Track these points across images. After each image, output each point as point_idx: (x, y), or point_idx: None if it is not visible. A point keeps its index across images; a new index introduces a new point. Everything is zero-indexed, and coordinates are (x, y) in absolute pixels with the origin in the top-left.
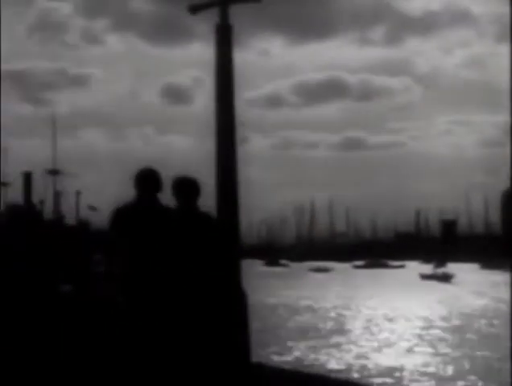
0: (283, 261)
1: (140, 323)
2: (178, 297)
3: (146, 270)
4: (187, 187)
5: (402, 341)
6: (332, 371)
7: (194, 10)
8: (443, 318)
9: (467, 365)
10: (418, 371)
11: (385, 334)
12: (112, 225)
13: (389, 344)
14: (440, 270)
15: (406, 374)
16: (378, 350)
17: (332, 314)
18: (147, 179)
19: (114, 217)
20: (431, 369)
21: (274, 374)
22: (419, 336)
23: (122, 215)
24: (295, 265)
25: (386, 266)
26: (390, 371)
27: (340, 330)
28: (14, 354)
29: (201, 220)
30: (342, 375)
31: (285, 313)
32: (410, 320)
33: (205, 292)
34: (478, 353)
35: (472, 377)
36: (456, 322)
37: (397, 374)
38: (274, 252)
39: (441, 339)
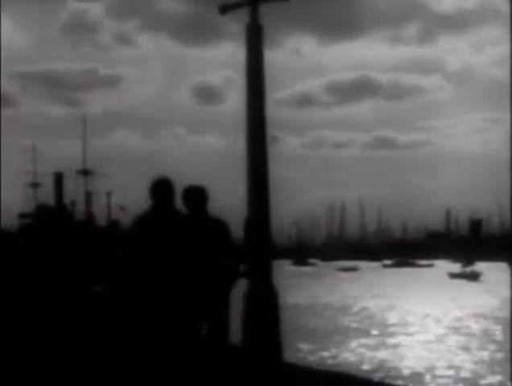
0: (311, 261)
1: (156, 320)
2: (189, 295)
3: (160, 273)
4: (193, 196)
5: (428, 342)
6: (362, 370)
7: (224, 10)
8: (463, 319)
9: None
10: (444, 374)
11: (407, 336)
12: (131, 235)
13: (414, 345)
14: (468, 269)
15: (434, 375)
16: (400, 350)
17: (354, 314)
18: (160, 189)
19: (133, 227)
20: (457, 371)
21: (303, 373)
22: (445, 336)
23: (139, 224)
24: (322, 265)
25: (414, 265)
26: (417, 373)
27: (363, 329)
28: (49, 353)
29: (210, 225)
30: (372, 376)
31: (309, 311)
32: (438, 320)
33: (211, 289)
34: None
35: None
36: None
37: (425, 376)
38: (303, 251)
39: (465, 340)
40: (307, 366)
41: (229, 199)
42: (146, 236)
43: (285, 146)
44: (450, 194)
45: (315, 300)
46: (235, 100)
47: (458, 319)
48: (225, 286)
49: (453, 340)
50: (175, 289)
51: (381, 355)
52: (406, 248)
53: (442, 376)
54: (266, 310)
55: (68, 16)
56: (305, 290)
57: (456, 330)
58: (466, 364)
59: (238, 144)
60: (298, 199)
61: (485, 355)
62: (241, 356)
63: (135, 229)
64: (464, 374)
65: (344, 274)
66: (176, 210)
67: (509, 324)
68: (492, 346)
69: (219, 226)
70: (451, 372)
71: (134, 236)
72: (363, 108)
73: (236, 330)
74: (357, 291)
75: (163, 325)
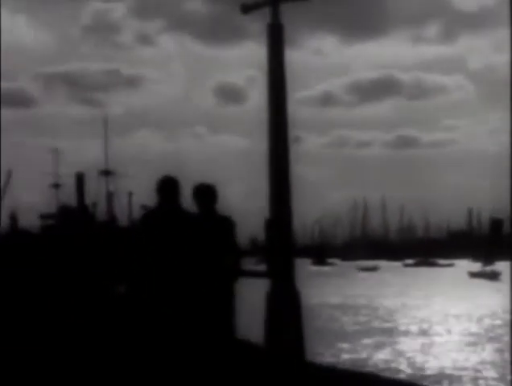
0: (331, 260)
1: (161, 314)
2: (194, 290)
3: (165, 268)
4: (202, 193)
5: (447, 342)
6: (384, 370)
7: (246, 9)
8: (480, 318)
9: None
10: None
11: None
12: (137, 230)
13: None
14: (488, 268)
15: (458, 375)
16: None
17: (374, 314)
18: (165, 186)
19: (140, 223)
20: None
21: (327, 373)
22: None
23: (146, 220)
24: (343, 264)
25: (435, 265)
26: (442, 372)
27: (383, 329)
28: (73, 354)
29: (216, 222)
30: (395, 375)
31: (328, 312)
32: (456, 320)
33: (217, 285)
34: None
35: None
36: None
37: (449, 375)
38: (325, 250)
39: (480, 339)
40: (331, 365)
41: (251, 199)
42: (149, 231)
43: (307, 146)
44: (473, 193)
45: (330, 300)
46: (257, 100)
47: (475, 319)
48: (226, 282)
49: (469, 340)
50: (179, 284)
51: (399, 355)
52: (428, 247)
53: (462, 376)
54: (288, 309)
55: (90, 16)
56: (320, 290)
57: (471, 329)
58: (487, 364)
59: (260, 144)
60: (320, 199)
61: (503, 354)
62: (263, 356)
63: (140, 225)
64: (485, 373)
65: (364, 274)
66: (181, 206)
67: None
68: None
69: (224, 223)
70: (471, 372)
71: (139, 232)
72: (385, 108)
73: (258, 330)
74: (374, 291)
75: (169, 321)
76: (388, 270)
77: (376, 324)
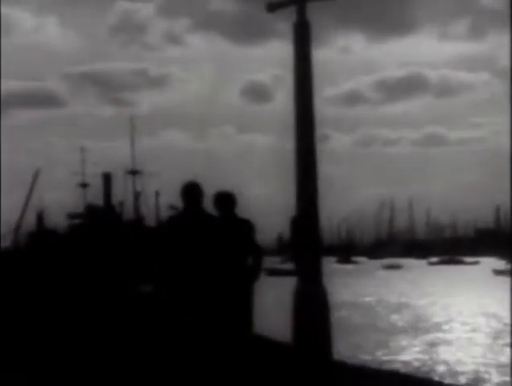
0: (355, 259)
1: (184, 312)
2: (215, 288)
3: (188, 269)
4: (222, 200)
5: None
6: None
7: (272, 8)
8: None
9: None
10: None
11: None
12: (162, 232)
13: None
14: None
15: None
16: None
17: (390, 312)
18: (189, 193)
19: (165, 226)
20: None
21: (354, 372)
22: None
23: (171, 223)
24: (368, 262)
25: (460, 263)
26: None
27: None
28: (93, 354)
29: (236, 225)
30: (423, 374)
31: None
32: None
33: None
34: None
35: None
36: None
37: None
38: (350, 249)
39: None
40: (359, 364)
41: (278, 197)
42: (174, 233)
43: (335, 144)
44: (501, 190)
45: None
46: (284, 99)
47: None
48: (247, 283)
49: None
50: (201, 284)
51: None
52: (455, 246)
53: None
54: (315, 308)
55: (118, 16)
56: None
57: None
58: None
59: (287, 142)
60: (348, 197)
61: None
62: (291, 355)
63: (166, 227)
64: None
65: (385, 272)
66: (204, 210)
67: None
68: None
69: (244, 226)
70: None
71: (165, 233)
72: (413, 105)
73: (286, 329)
74: (387, 289)
75: (190, 322)
76: (411, 268)
77: (379, 321)
